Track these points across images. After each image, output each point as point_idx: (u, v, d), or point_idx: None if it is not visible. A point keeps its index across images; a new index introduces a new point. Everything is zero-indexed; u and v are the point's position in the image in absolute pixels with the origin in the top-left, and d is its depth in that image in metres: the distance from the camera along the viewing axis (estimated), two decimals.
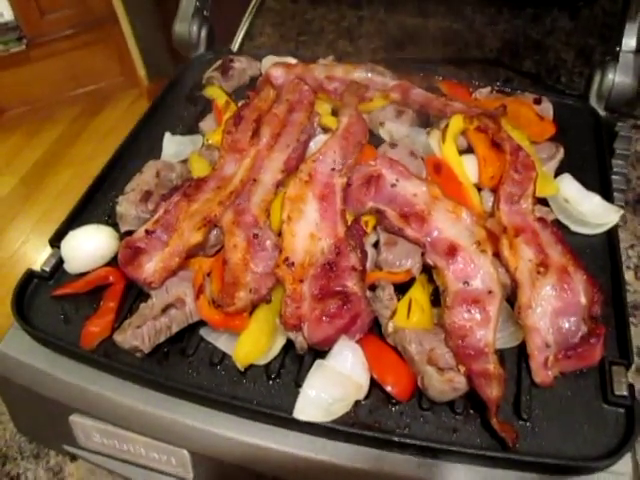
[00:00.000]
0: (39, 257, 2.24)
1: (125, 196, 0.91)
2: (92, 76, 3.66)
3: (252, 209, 0.88)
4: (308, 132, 1.00)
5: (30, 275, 0.87)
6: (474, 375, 0.70)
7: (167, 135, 1.06)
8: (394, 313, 0.77)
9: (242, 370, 0.76)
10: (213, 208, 0.87)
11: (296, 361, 0.77)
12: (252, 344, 0.76)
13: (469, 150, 0.98)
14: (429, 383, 0.70)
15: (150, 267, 0.81)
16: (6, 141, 3.53)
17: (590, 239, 0.90)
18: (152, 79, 3.52)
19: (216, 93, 1.14)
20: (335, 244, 0.82)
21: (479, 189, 0.93)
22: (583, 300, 0.76)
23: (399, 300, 0.78)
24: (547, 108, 1.08)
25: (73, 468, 0.94)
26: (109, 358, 0.78)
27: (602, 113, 1.13)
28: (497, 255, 0.81)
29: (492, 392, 0.69)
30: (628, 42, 1.09)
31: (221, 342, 0.79)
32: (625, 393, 0.71)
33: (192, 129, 1.10)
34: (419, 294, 0.79)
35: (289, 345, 0.78)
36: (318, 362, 0.74)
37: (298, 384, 0.74)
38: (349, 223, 0.86)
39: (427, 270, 0.83)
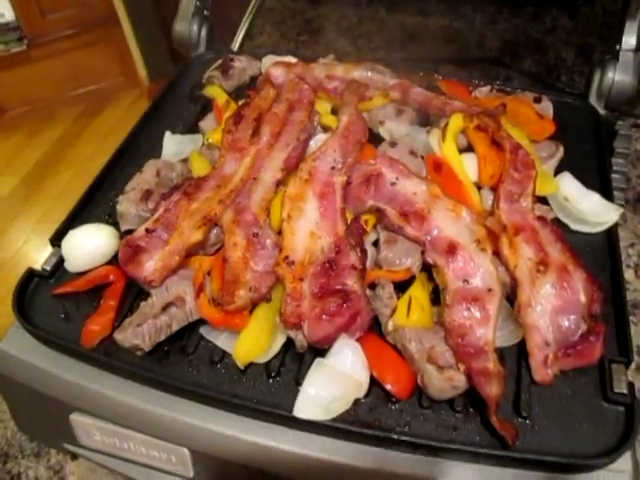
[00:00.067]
0: (40, 257, 2.22)
1: (125, 195, 0.91)
2: (93, 76, 3.66)
3: (252, 208, 0.88)
4: (308, 131, 1.00)
5: (31, 274, 0.87)
6: (474, 373, 0.70)
7: (167, 134, 1.07)
8: (394, 311, 0.77)
9: (242, 368, 0.76)
10: (213, 207, 0.87)
11: (296, 359, 0.77)
12: (252, 342, 0.76)
13: (469, 149, 0.98)
14: (429, 381, 0.70)
15: (150, 266, 0.82)
16: (7, 141, 3.53)
17: (590, 237, 0.90)
18: (153, 79, 3.53)
19: (216, 92, 1.14)
20: (335, 242, 0.82)
21: (479, 188, 0.93)
22: (583, 298, 0.76)
23: (399, 298, 0.78)
24: (547, 107, 1.08)
25: (74, 466, 0.94)
26: (109, 356, 0.78)
27: (602, 112, 1.13)
28: (497, 253, 0.81)
29: (492, 390, 0.69)
30: (628, 40, 1.09)
31: (221, 340, 0.79)
32: (625, 391, 0.71)
33: (192, 128, 1.10)
34: (419, 292, 0.79)
35: (289, 343, 0.78)
36: (318, 360, 0.74)
37: (298, 382, 0.74)
38: (349, 222, 0.86)
39: (427, 268, 0.83)
